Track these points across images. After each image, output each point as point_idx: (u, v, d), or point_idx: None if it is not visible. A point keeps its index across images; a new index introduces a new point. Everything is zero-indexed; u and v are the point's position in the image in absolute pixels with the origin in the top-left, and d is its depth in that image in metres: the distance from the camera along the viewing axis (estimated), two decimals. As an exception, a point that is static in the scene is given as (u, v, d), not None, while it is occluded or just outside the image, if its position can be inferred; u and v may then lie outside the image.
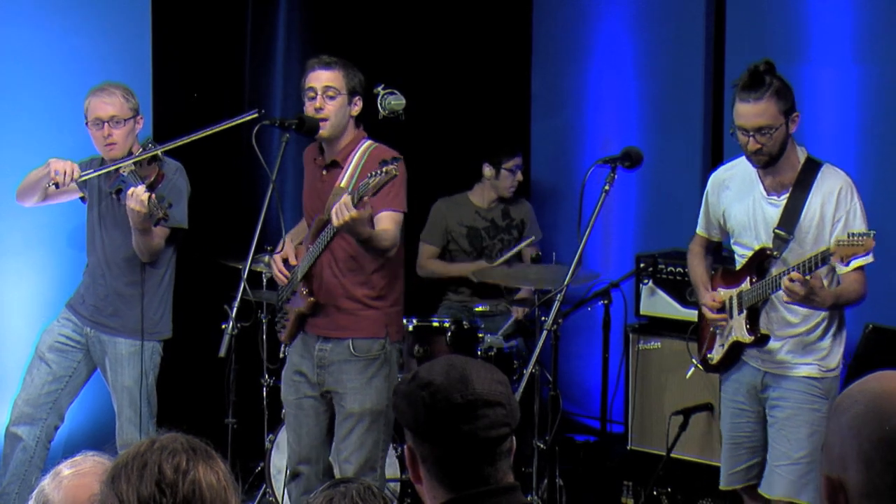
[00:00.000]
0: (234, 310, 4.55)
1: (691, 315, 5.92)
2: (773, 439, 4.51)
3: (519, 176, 6.62)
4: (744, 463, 4.65)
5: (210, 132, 5.05)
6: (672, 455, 5.74)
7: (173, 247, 5.28)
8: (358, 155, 4.77)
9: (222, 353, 4.48)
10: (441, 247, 6.67)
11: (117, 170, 5.04)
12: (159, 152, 5.05)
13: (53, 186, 5.05)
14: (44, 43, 5.73)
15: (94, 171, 5.13)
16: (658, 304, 6.09)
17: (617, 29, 7.17)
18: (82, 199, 5.34)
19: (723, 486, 4.75)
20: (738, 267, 4.60)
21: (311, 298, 4.81)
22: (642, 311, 6.16)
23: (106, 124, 5.13)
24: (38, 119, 5.61)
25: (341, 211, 4.33)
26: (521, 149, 6.80)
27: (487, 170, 6.62)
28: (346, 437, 4.78)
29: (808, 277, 4.19)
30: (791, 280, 4.18)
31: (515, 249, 6.51)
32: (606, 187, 4.49)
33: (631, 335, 6.09)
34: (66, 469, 2.56)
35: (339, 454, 4.85)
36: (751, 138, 4.32)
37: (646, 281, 6.12)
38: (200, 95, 6.25)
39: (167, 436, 2.20)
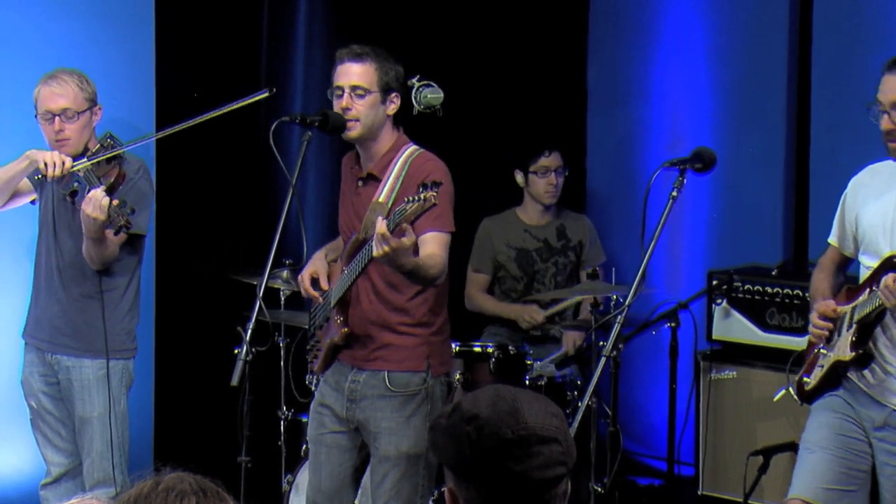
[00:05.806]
0: (249, 332, 4.56)
1: (771, 340, 5.92)
2: (890, 492, 4.32)
3: (551, 178, 6.44)
4: (847, 484, 4.39)
5: (171, 132, 5.04)
6: (749, 501, 5.71)
7: (136, 255, 5.25)
8: (399, 164, 4.73)
9: (235, 381, 4.49)
10: (493, 274, 6.58)
11: (72, 169, 4.98)
12: (122, 151, 4.98)
13: (41, 178, 5.01)
14: (35, 28, 5.77)
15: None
16: (733, 327, 6.08)
17: (686, 10, 7.16)
18: (33, 202, 5.34)
19: (799, 496, 4.42)
20: (861, 281, 4.43)
21: (345, 329, 4.78)
22: (715, 336, 6.15)
23: (57, 118, 5.09)
24: (28, 112, 5.65)
25: (380, 242, 4.31)
26: (557, 146, 6.54)
27: (519, 176, 6.52)
28: (381, 484, 4.76)
29: None
30: (893, 281, 4.08)
31: (565, 304, 6.39)
32: (674, 193, 4.46)
33: (702, 363, 6.08)
34: (63, 512, 2.58)
35: (374, 503, 4.84)
36: (886, 115, 4.27)
37: (719, 301, 6.11)
38: (209, 86, 6.27)
39: (173, 476, 2.19)
